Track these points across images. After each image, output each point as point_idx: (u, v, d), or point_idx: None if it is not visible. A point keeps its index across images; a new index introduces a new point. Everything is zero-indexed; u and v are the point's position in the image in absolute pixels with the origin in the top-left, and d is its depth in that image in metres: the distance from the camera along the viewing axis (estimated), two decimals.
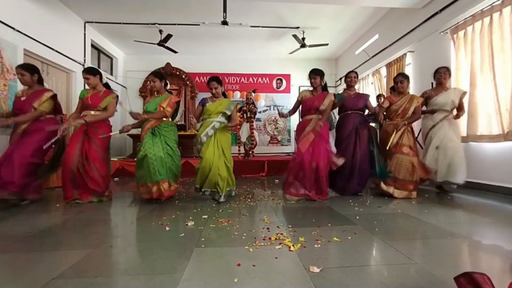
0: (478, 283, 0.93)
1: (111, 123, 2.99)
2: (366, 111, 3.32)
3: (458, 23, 3.58)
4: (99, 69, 2.90)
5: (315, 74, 2.90)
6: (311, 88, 3.00)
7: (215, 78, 2.91)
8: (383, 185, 2.90)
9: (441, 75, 3.12)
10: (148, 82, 2.87)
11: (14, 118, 2.70)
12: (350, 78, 3.24)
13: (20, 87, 3.83)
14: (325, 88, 2.97)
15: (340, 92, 3.34)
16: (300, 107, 3.03)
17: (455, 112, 3.14)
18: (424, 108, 3.21)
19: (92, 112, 2.80)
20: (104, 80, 2.98)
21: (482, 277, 0.95)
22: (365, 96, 3.30)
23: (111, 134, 2.84)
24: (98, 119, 2.77)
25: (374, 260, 1.40)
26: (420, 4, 4.23)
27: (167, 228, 1.85)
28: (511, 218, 2.15)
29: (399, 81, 3.06)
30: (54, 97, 2.87)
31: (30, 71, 2.79)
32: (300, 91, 3.10)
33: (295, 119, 6.73)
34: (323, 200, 2.74)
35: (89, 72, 2.84)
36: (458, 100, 3.08)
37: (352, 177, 3.01)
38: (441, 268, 1.21)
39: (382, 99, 3.90)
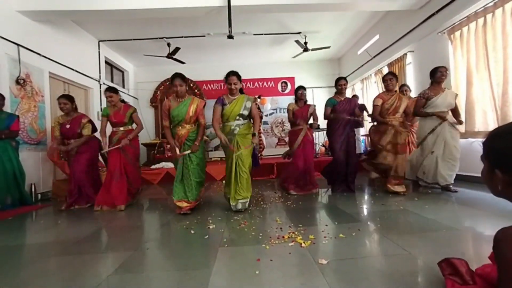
0: (455, 266, 1.14)
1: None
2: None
3: (454, 24, 3.72)
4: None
5: (304, 89, 3.57)
6: (293, 101, 3.64)
7: (235, 73, 2.63)
8: (389, 186, 3.14)
9: (442, 74, 3.10)
10: (174, 87, 2.81)
11: (72, 144, 3.18)
12: (341, 86, 3.37)
13: (47, 109, 4.21)
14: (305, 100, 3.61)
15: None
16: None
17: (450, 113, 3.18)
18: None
19: (121, 128, 3.20)
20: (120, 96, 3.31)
21: (460, 261, 1.16)
22: (355, 101, 3.50)
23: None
24: (136, 134, 3.21)
25: (374, 252, 1.61)
26: (417, 6, 4.36)
27: (192, 231, 2.10)
28: (505, 210, 2.30)
29: (388, 79, 3.20)
30: (90, 121, 3.32)
31: (71, 100, 3.27)
32: (288, 104, 3.65)
33: None
34: (316, 190, 3.51)
35: (114, 91, 3.20)
36: (454, 101, 3.14)
37: (346, 179, 3.38)
38: (431, 257, 1.41)
39: None
